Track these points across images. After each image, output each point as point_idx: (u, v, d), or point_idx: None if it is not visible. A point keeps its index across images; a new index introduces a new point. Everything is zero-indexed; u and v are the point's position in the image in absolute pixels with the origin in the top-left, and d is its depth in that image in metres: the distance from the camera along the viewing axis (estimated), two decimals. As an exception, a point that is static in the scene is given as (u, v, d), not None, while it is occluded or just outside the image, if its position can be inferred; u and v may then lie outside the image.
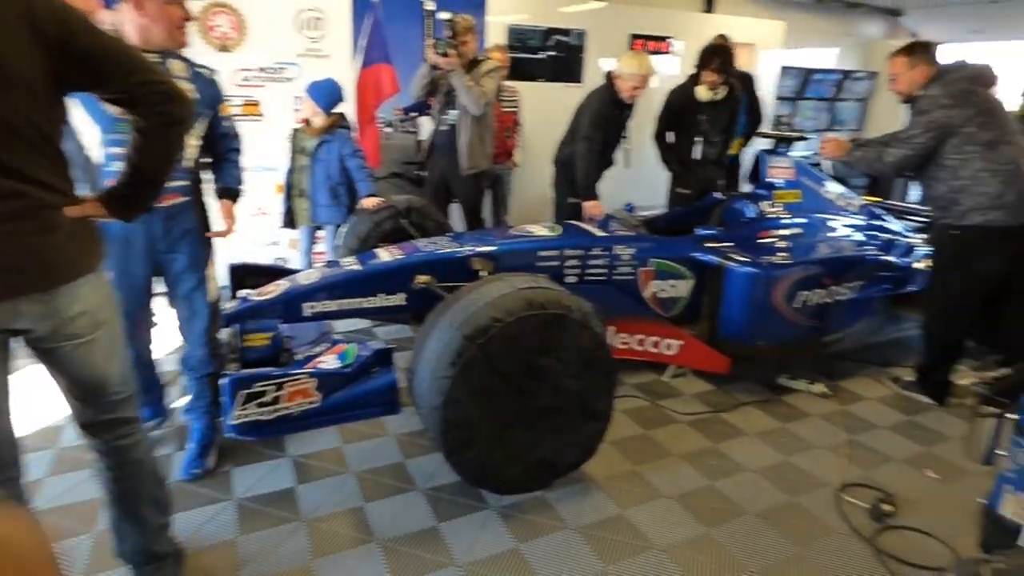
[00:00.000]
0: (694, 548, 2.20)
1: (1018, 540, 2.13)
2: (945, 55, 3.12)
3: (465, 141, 4.06)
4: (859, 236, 3.74)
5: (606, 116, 3.82)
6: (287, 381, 2.17)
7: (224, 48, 4.14)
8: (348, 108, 4.27)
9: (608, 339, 3.14)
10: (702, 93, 4.21)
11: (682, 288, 3.31)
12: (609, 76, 3.89)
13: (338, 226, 3.85)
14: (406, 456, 2.68)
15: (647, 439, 2.88)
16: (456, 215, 4.49)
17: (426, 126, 4.45)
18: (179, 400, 2.88)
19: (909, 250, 3.70)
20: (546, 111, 5.31)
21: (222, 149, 2.51)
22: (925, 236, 4.22)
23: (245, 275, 2.97)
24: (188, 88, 2.14)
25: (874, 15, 7.81)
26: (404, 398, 2.39)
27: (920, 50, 3.09)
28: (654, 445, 2.83)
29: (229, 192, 2.56)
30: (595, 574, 2.08)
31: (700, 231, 3.32)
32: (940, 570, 2.12)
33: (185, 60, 2.25)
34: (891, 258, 3.53)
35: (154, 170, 1.59)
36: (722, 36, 4.82)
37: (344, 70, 4.35)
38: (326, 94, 3.62)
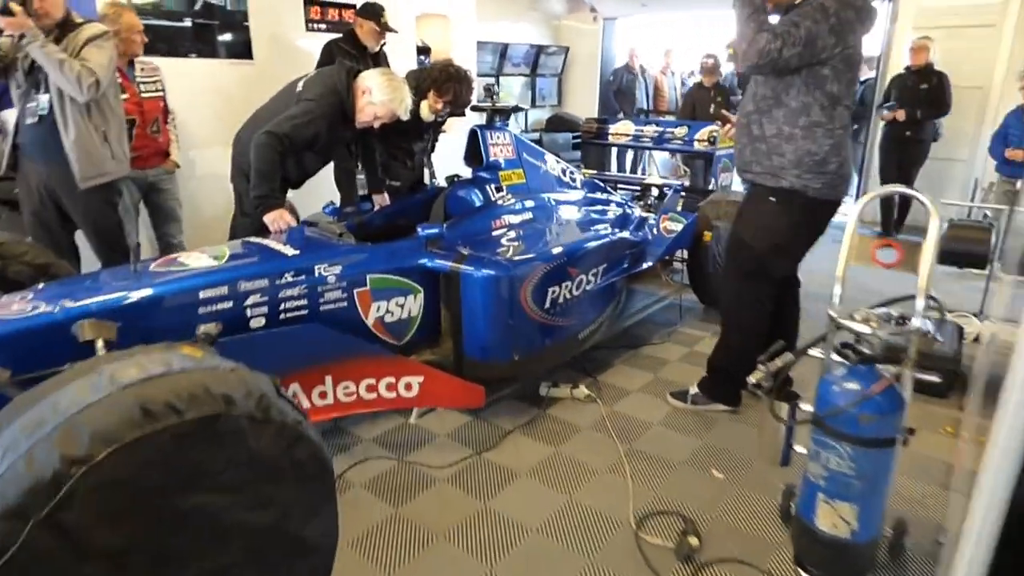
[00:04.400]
0: None
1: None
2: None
3: (74, 139, 2.79)
4: (593, 215, 3.42)
5: (322, 124, 2.79)
6: None
7: None
8: None
9: (328, 393, 2.32)
10: (425, 112, 3.33)
11: (412, 305, 2.60)
12: (350, 79, 2.86)
13: None
14: None
15: (398, 522, 2.12)
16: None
17: (12, 121, 3.02)
18: None
19: (641, 223, 3.48)
20: (209, 96, 4.15)
21: None
22: (643, 204, 4.14)
23: None
24: None
25: (556, -8, 7.97)
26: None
27: None
28: (408, 529, 2.08)
29: None
30: None
31: (423, 230, 2.62)
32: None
33: None
34: (628, 235, 3.25)
35: None
36: (452, 65, 3.44)
37: None
38: None
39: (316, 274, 2.33)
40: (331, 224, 2.67)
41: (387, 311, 2.53)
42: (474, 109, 3.37)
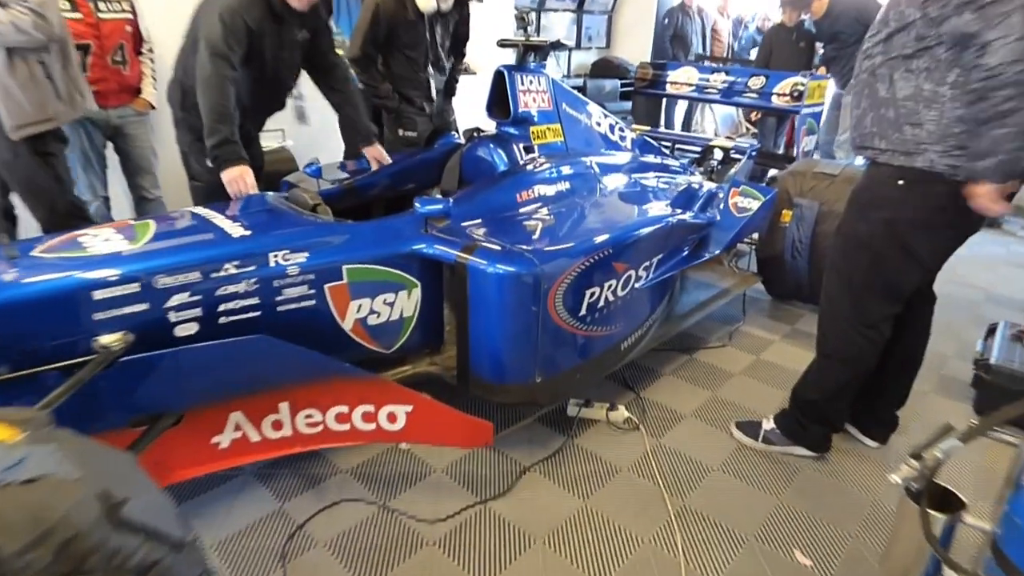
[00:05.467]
0: None
1: None
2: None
3: (-1, 80, 2.21)
4: (647, 186, 2.73)
5: (254, 12, 2.20)
6: None
7: None
8: None
9: (284, 423, 1.75)
10: (423, 2, 2.83)
11: (404, 303, 1.98)
12: None
13: None
14: None
15: (366, 609, 1.56)
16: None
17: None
18: None
19: (710, 199, 2.77)
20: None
21: None
22: (703, 170, 3.44)
23: None
24: None
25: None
26: None
27: None
28: (378, 624, 1.53)
29: None
30: None
31: (423, 205, 1.97)
32: None
33: None
34: (691, 217, 2.54)
35: None
36: None
37: None
38: None
39: (271, 263, 1.72)
40: (304, 192, 2.04)
41: (371, 311, 1.92)
42: (502, 45, 2.66)
